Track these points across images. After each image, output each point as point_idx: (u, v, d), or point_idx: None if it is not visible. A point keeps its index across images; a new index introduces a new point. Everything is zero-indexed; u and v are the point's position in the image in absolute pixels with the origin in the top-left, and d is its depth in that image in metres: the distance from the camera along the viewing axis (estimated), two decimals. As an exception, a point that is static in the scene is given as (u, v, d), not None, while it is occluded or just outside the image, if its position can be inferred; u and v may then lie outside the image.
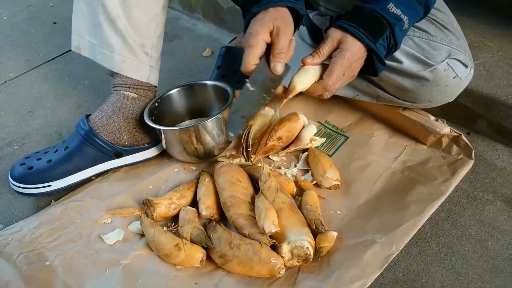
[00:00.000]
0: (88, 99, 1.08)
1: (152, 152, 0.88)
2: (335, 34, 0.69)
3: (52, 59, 1.24)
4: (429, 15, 0.81)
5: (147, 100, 0.87)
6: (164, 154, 0.89)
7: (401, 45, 0.79)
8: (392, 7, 0.69)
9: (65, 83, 1.14)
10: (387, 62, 0.79)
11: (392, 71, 0.81)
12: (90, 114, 0.86)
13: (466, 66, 0.79)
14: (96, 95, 1.09)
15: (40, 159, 0.83)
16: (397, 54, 0.79)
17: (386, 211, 0.74)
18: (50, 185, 0.82)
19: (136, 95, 0.86)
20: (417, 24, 0.80)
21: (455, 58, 0.78)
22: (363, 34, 0.67)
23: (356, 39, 0.67)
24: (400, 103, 0.85)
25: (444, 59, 0.77)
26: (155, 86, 0.89)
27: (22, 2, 1.55)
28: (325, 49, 0.69)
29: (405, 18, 0.70)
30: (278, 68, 0.68)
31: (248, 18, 0.69)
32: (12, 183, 0.82)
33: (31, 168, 0.82)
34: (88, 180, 0.86)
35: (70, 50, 1.25)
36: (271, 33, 0.66)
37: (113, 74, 0.88)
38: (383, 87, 0.85)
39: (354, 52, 0.68)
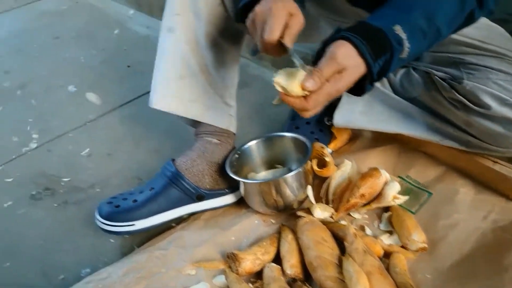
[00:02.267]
0: (165, 143, 1.12)
1: (231, 198, 0.90)
2: (339, 51, 0.61)
3: (128, 102, 1.30)
4: (505, 57, 0.79)
5: (228, 146, 0.91)
6: (242, 202, 0.90)
7: (487, 89, 0.77)
8: (398, 30, 0.63)
9: (142, 127, 1.19)
10: (475, 108, 0.78)
11: (481, 116, 0.79)
12: (174, 159, 0.89)
13: None
14: (173, 140, 1.12)
15: (126, 199, 0.87)
16: (485, 99, 0.77)
17: (480, 275, 0.71)
18: (134, 224, 0.85)
19: (218, 141, 0.90)
20: (495, 66, 0.78)
21: None
22: (365, 49, 0.61)
23: (358, 53, 0.61)
24: (493, 149, 0.83)
25: None
26: (234, 134, 0.93)
27: (97, 46, 1.65)
28: (327, 70, 0.61)
29: (406, 46, 0.63)
30: (290, 43, 0.65)
31: None
32: (98, 220, 0.85)
33: (118, 206, 0.85)
34: (169, 225, 0.88)
35: (145, 93, 1.33)
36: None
37: (194, 124, 0.92)
38: (472, 133, 0.83)
39: (352, 65, 0.61)
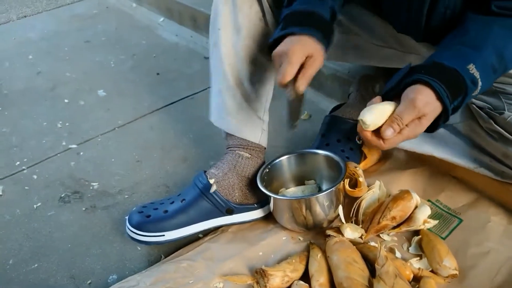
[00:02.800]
0: (193, 152, 1.13)
1: (259, 213, 0.90)
2: (419, 98, 0.61)
3: (157, 109, 1.32)
4: None
5: (259, 161, 0.92)
6: (269, 218, 0.90)
7: None
8: (472, 69, 0.64)
9: (171, 135, 1.21)
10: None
11: None
12: (205, 171, 0.90)
13: None
14: (201, 149, 1.13)
15: (156, 209, 0.87)
16: None
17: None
18: (164, 235, 0.85)
19: (250, 155, 0.90)
20: None
21: None
22: (444, 93, 0.62)
23: (436, 97, 0.62)
24: None
25: None
26: (265, 148, 0.94)
27: (127, 51, 1.68)
28: (407, 118, 0.62)
29: (479, 84, 0.64)
30: (302, 88, 0.71)
31: (285, 33, 0.72)
32: (129, 229, 0.86)
33: (148, 216, 0.86)
34: (196, 237, 0.88)
35: (173, 102, 1.35)
36: (307, 57, 0.70)
37: (227, 135, 0.93)
38: (509, 164, 0.82)
39: (432, 110, 0.62)
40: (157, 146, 1.17)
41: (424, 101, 0.62)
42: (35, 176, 1.11)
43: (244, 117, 0.90)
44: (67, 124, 1.30)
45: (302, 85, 0.71)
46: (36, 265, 0.89)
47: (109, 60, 1.63)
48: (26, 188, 1.08)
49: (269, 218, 0.90)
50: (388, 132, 0.63)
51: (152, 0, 1.98)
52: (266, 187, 0.86)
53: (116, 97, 1.40)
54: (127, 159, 1.14)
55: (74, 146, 1.20)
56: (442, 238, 0.82)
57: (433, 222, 0.83)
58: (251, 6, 0.85)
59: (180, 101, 1.35)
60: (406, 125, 0.63)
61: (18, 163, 1.16)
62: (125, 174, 1.09)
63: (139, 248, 0.89)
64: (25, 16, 2.15)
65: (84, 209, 1.00)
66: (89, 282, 0.84)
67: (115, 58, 1.64)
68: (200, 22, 1.70)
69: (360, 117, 0.65)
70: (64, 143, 1.22)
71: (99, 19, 2.01)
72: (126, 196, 1.02)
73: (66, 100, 1.41)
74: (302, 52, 0.70)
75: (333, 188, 0.81)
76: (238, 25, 0.85)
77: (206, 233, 0.89)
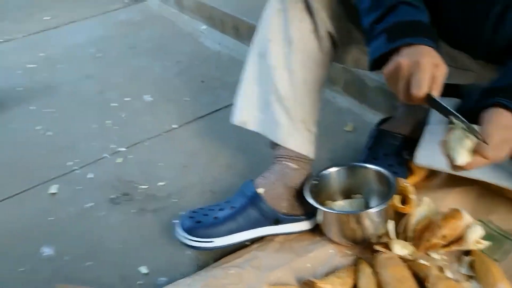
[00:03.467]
0: (238, 160, 1.15)
1: (306, 225, 0.91)
2: (503, 122, 0.65)
3: (202, 116, 1.35)
4: None
5: (306, 172, 0.92)
6: (316, 229, 0.91)
7: None
8: None
9: (215, 142, 1.23)
10: None
11: None
12: (253, 180, 0.92)
13: None
14: (245, 156, 1.16)
15: (206, 215, 0.90)
16: None
17: None
18: (213, 241, 0.87)
19: (297, 167, 0.91)
20: None
21: None
22: None
23: None
24: None
25: None
26: (313, 159, 0.94)
27: (172, 57, 1.73)
28: (492, 144, 0.64)
29: None
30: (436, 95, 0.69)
31: (399, 44, 0.70)
32: (180, 233, 0.88)
33: (199, 222, 0.88)
34: (243, 244, 0.90)
35: (218, 110, 1.38)
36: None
37: (274, 146, 0.95)
38: None
39: None
40: (203, 152, 1.20)
41: (508, 125, 0.64)
42: (87, 177, 1.16)
43: (293, 129, 0.91)
44: (115, 127, 1.35)
45: (437, 93, 0.68)
46: (89, 263, 0.92)
47: (154, 66, 1.68)
48: (78, 188, 1.13)
49: (315, 229, 0.91)
50: (475, 162, 0.66)
51: (194, 8, 2.03)
52: (313, 198, 0.87)
53: (162, 103, 1.45)
54: (174, 164, 1.17)
55: (123, 149, 1.25)
56: (494, 260, 0.81)
57: (485, 243, 0.82)
58: (303, 19, 0.87)
59: (223, 109, 1.37)
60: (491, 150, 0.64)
61: (70, 163, 1.21)
62: (172, 179, 1.12)
63: (188, 253, 0.91)
64: (73, 21, 2.24)
65: (133, 211, 1.04)
66: (139, 282, 0.87)
67: (160, 64, 1.69)
68: (242, 31, 1.73)
69: (451, 159, 0.68)
70: (113, 146, 1.26)
71: (143, 26, 2.08)
72: (174, 200, 1.05)
73: (114, 104, 1.47)
74: (431, 62, 0.68)
75: (384, 205, 0.82)
76: (289, 37, 0.87)
77: (253, 241, 0.91)
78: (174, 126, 1.32)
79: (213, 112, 1.36)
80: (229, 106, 1.38)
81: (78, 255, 0.94)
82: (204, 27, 1.97)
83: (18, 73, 1.75)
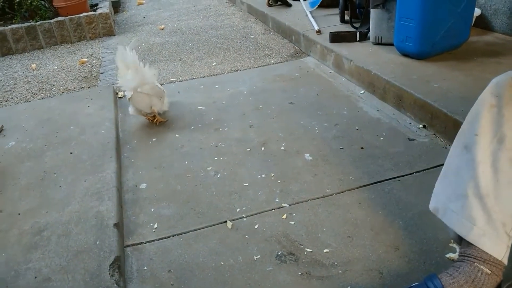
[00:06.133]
0: (405, 242, 1.13)
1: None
2: None
3: (364, 185, 1.36)
4: None
5: (497, 279, 0.86)
6: None
7: None
8: None
9: (380, 216, 1.22)
10: None
11: None
12: (436, 274, 0.88)
13: None
14: (413, 240, 1.12)
15: None
16: None
17: None
18: None
19: (490, 272, 0.86)
20: None
21: None
22: None
23: None
24: None
25: None
26: (506, 265, 0.87)
27: (330, 119, 1.79)
28: None
29: None
30: None
31: None
32: None
33: None
34: None
35: (380, 181, 1.38)
36: None
37: (461, 241, 0.90)
38: None
39: None
40: (367, 225, 1.20)
41: None
42: (254, 227, 1.23)
43: (491, 230, 0.86)
44: (278, 181, 1.43)
45: None
46: (257, 317, 0.97)
47: (313, 125, 1.76)
48: (246, 236, 1.20)
49: None
50: None
51: (354, 72, 2.09)
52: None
53: (322, 164, 1.49)
54: (338, 231, 1.19)
55: (286, 205, 1.31)
56: None
57: None
58: None
59: (386, 181, 1.37)
60: None
61: (238, 209, 1.31)
62: (337, 247, 1.13)
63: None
64: (236, 70, 2.48)
65: (299, 273, 1.07)
66: None
67: (319, 124, 1.76)
68: (405, 102, 1.73)
69: None
70: (277, 200, 1.33)
71: (300, 83, 2.20)
72: (340, 272, 1.06)
73: (275, 158, 1.56)
74: None
75: None
76: (501, 135, 0.84)
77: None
78: (335, 191, 1.35)
79: (377, 182, 1.36)
80: (391, 180, 1.38)
81: (248, 307, 0.99)
82: (362, 91, 2.01)
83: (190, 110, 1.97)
